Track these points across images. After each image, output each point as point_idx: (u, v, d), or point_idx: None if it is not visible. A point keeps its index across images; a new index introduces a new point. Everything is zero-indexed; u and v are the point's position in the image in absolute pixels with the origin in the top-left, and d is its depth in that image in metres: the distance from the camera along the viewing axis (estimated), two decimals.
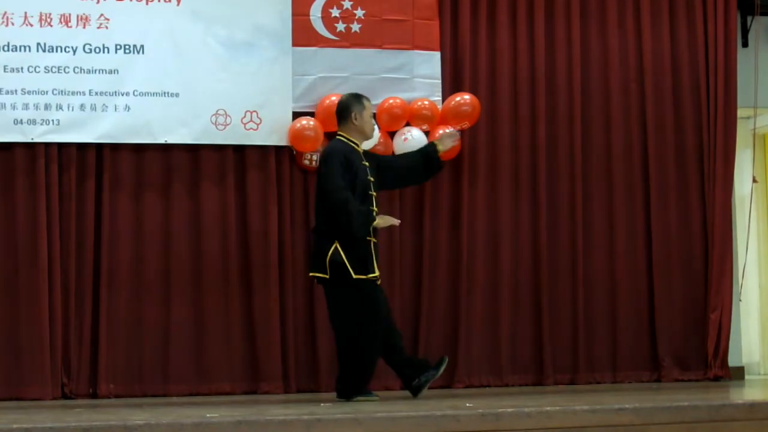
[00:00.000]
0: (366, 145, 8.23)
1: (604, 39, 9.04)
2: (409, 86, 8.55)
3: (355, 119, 7.23)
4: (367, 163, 7.21)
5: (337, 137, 7.28)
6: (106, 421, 5.09)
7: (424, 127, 8.49)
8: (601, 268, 8.91)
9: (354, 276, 6.97)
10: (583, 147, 8.92)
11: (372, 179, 7.20)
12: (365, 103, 7.29)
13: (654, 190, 9.00)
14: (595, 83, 9.00)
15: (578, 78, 8.93)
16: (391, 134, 8.48)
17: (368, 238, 7.09)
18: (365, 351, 7.02)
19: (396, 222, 7.35)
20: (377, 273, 7.12)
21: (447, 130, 7.96)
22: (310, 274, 7.24)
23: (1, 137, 7.94)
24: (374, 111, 7.46)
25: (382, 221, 7.16)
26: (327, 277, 7.04)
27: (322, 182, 7.07)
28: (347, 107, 7.27)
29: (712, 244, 9.00)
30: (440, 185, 8.62)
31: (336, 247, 6.98)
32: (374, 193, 7.19)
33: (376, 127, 8.29)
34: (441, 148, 7.62)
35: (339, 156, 7.07)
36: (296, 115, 8.36)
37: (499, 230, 8.74)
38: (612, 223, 8.95)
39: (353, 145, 7.22)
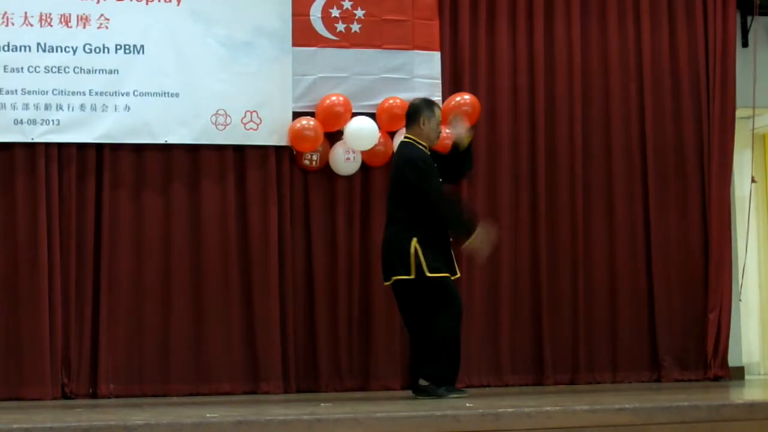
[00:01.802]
0: (364, 146, 8.25)
1: (604, 39, 9.05)
2: (409, 86, 8.55)
3: (423, 124, 7.22)
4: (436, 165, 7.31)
5: (407, 140, 7.29)
6: (106, 421, 5.09)
7: None
8: (600, 267, 8.91)
9: (428, 274, 6.99)
10: (583, 147, 8.93)
11: (441, 181, 7.26)
12: (436, 111, 7.29)
13: (653, 189, 9.01)
14: (594, 83, 9.01)
15: (578, 78, 8.94)
16: (391, 134, 8.49)
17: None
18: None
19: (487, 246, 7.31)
20: (456, 272, 7.18)
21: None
22: (394, 277, 7.13)
23: (1, 137, 7.94)
24: (441, 119, 7.39)
25: (477, 241, 7.16)
26: (411, 276, 7.03)
27: (423, 189, 7.06)
28: (417, 111, 7.27)
29: (711, 244, 9.01)
30: None
31: (415, 248, 7.00)
32: None
33: (375, 131, 8.32)
34: (458, 141, 7.35)
35: (423, 159, 7.13)
36: (296, 115, 8.36)
37: (499, 230, 8.73)
38: (611, 222, 8.96)
39: (423, 148, 7.23)
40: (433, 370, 7.03)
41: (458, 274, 7.25)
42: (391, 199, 7.29)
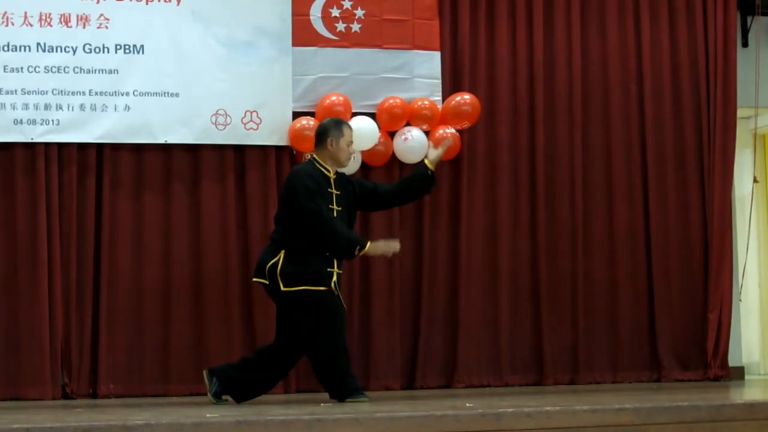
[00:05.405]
0: (364, 146, 8.25)
1: (604, 39, 9.05)
2: (409, 86, 8.55)
3: (331, 145, 6.99)
4: (336, 192, 6.97)
5: (310, 159, 7.10)
6: (106, 421, 5.09)
7: (424, 127, 8.49)
8: (600, 267, 8.91)
9: (282, 288, 6.81)
10: (583, 147, 8.93)
11: (339, 208, 6.95)
12: (345, 130, 7.05)
13: (653, 190, 9.01)
14: (594, 83, 9.01)
15: (578, 78, 8.94)
16: (391, 134, 8.49)
17: (329, 269, 6.87)
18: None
19: (394, 249, 7.05)
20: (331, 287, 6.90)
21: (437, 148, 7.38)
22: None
23: (1, 137, 7.94)
24: (353, 140, 7.13)
25: (373, 248, 6.88)
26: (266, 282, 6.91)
27: (301, 206, 6.81)
28: (325, 131, 7.04)
29: (712, 244, 9.01)
30: (439, 185, 8.59)
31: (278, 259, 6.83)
32: None
33: (375, 131, 8.30)
34: (430, 163, 7.23)
35: (308, 177, 6.88)
36: (296, 115, 8.36)
37: (498, 230, 8.74)
38: (611, 222, 8.96)
39: (323, 170, 6.98)
40: (328, 387, 6.91)
41: (334, 290, 6.86)
42: (278, 208, 7.10)
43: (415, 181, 7.29)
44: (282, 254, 6.83)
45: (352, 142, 7.13)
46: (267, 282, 6.88)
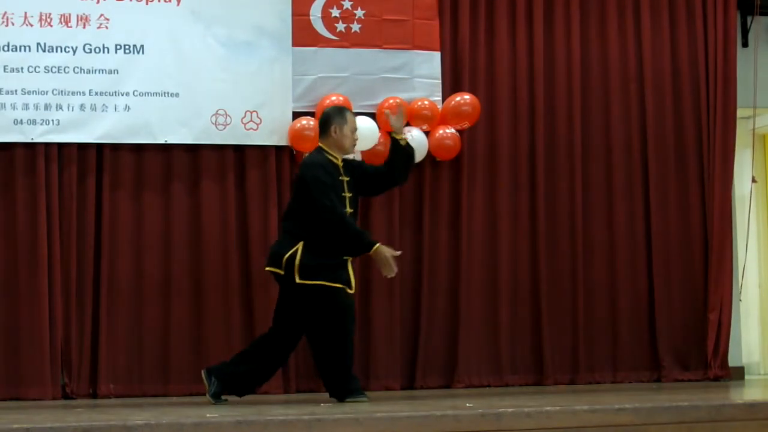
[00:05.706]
0: (364, 146, 8.24)
1: (604, 39, 9.05)
2: (409, 86, 8.56)
3: (335, 132, 7.04)
4: (346, 178, 7.04)
5: (318, 148, 7.13)
6: (106, 421, 5.09)
7: (424, 127, 8.49)
8: (600, 268, 8.91)
9: (298, 280, 6.82)
10: (583, 147, 8.93)
11: (350, 194, 7.03)
12: (348, 117, 7.11)
13: (653, 190, 9.01)
14: (594, 83, 9.01)
15: (578, 78, 8.94)
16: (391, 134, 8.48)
17: (345, 258, 6.94)
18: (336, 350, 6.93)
19: (389, 273, 6.98)
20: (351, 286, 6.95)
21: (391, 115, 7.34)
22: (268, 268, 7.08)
23: (1, 137, 7.94)
24: (356, 126, 7.19)
25: (376, 255, 6.88)
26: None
27: (315, 200, 6.85)
28: (328, 119, 7.10)
29: (712, 244, 9.01)
30: (439, 185, 8.63)
31: (296, 250, 6.84)
32: (349, 210, 7.00)
33: (375, 131, 8.31)
34: (397, 135, 7.24)
35: (320, 168, 6.92)
36: (296, 115, 8.37)
37: (498, 230, 8.74)
38: (611, 222, 8.96)
39: (331, 158, 7.04)
40: (330, 385, 6.91)
41: (352, 290, 6.92)
42: (292, 199, 7.15)
43: (393, 155, 7.28)
44: (300, 246, 6.85)
45: (356, 128, 7.19)
46: (282, 272, 6.88)
